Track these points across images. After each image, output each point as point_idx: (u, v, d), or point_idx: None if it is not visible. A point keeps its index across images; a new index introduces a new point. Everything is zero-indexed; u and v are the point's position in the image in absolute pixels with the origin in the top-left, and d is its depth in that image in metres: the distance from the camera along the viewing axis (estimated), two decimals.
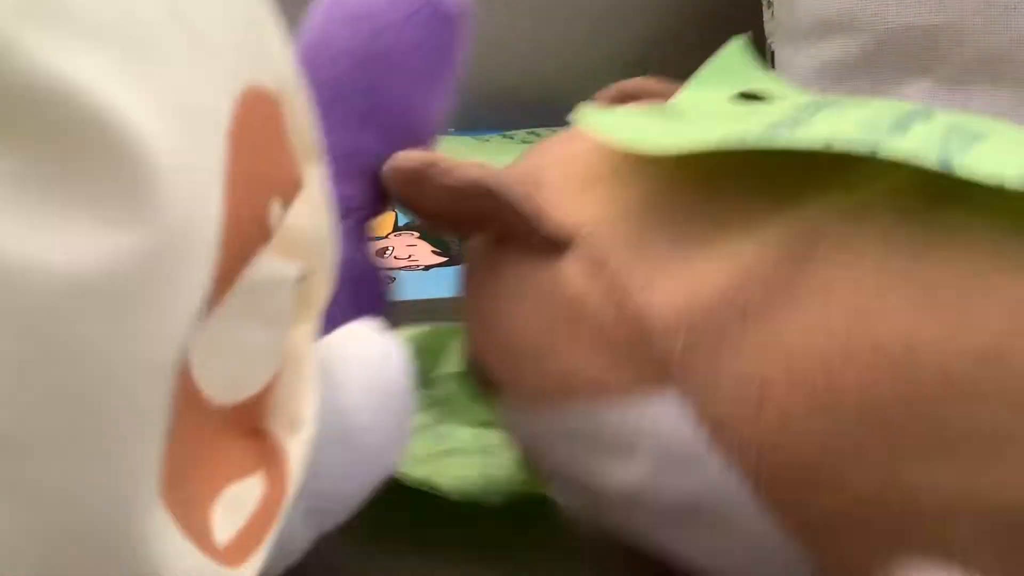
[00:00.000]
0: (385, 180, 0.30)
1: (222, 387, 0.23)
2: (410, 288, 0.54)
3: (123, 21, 0.19)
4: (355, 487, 0.28)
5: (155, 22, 0.19)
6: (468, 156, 0.68)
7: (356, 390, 0.27)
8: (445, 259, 0.58)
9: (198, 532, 0.21)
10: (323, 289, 0.28)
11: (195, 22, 0.20)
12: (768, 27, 0.67)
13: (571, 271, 0.27)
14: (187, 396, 0.21)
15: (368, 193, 0.35)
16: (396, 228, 0.61)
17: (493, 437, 0.37)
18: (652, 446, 0.26)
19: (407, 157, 0.29)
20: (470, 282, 0.31)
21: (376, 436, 0.27)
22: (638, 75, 0.80)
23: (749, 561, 0.27)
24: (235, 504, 0.23)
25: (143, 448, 0.19)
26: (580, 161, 0.29)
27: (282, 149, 0.24)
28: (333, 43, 0.34)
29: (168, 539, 0.20)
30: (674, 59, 0.78)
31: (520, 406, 0.29)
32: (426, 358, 0.41)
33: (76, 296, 0.18)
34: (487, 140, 0.74)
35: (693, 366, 0.26)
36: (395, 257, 0.58)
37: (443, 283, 0.56)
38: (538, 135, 0.75)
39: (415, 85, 0.35)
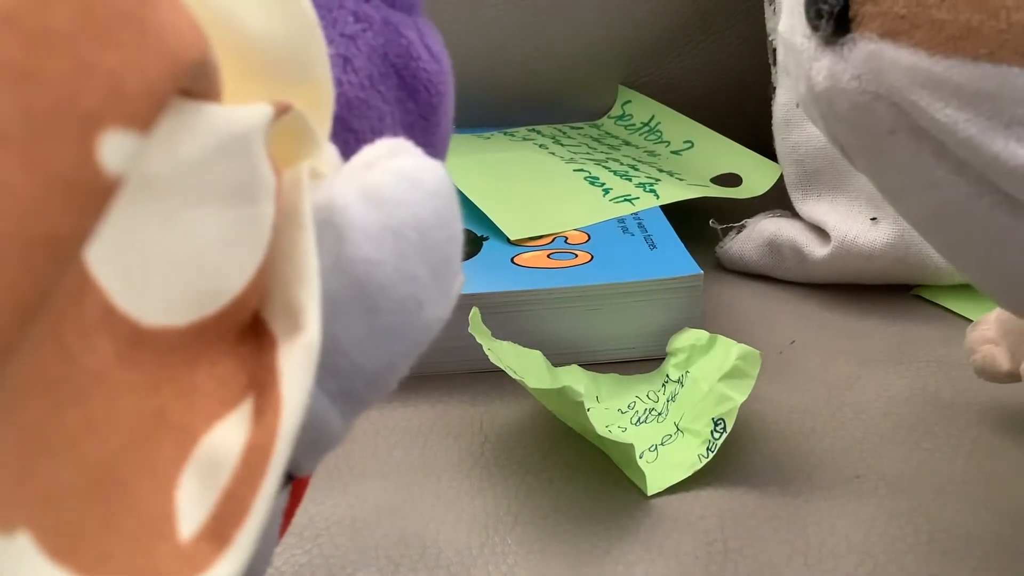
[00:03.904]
0: None
1: (171, 304, 0.18)
2: None
3: None
4: (379, 362, 0.21)
5: None
6: (470, 154, 0.68)
7: (369, 234, 0.21)
8: None
9: (150, 531, 0.17)
10: (323, 111, 0.22)
11: None
12: (770, 23, 0.67)
13: None
14: (109, 336, 0.17)
15: None
16: None
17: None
18: None
19: None
20: None
21: (399, 292, 0.21)
22: (639, 73, 0.80)
23: None
24: (210, 468, 0.18)
25: None
26: None
27: None
28: None
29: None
30: (675, 57, 0.78)
31: (930, 54, 0.29)
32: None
33: None
34: (488, 137, 0.74)
35: None
36: None
37: None
38: (539, 132, 0.75)
39: None
